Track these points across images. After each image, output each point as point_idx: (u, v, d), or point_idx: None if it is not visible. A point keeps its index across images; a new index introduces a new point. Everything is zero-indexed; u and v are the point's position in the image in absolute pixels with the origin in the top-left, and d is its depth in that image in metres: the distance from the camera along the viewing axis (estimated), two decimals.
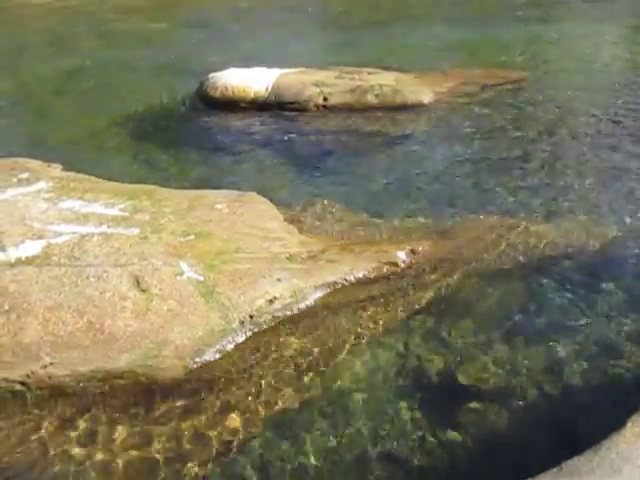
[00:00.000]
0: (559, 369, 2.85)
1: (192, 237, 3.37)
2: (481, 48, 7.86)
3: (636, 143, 4.96)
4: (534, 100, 5.98)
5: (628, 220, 3.92)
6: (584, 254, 3.62)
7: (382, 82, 5.95)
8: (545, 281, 3.41)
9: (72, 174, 4.16)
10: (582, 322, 3.12)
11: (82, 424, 2.58)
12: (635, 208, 4.04)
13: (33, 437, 2.54)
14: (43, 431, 2.56)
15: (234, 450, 2.52)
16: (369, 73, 6.18)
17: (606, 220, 3.91)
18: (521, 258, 3.58)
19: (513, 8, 9.92)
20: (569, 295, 3.31)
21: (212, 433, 2.57)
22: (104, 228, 3.37)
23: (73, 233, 3.30)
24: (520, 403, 2.69)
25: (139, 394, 2.69)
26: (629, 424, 2.23)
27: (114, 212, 3.55)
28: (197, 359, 2.78)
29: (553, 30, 8.44)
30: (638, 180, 4.38)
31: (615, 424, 2.25)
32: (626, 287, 3.35)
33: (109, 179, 4.14)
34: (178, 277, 3.05)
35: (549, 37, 8.06)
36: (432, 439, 2.55)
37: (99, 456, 2.47)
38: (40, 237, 3.25)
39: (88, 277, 2.98)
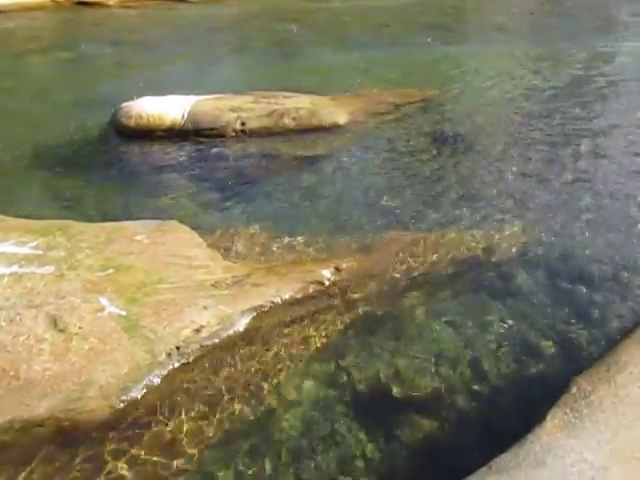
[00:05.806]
0: (482, 372, 2.97)
1: (111, 271, 3.27)
2: (391, 70, 8.16)
3: (542, 152, 5.29)
4: (443, 117, 6.27)
5: (542, 226, 4.14)
6: (505, 261, 3.78)
7: (298, 105, 6.04)
8: (467, 289, 3.55)
9: None
10: (502, 326, 3.27)
11: None
12: (543, 214, 4.29)
13: None
14: None
15: None
16: (285, 97, 6.26)
17: (524, 227, 4.09)
18: (443, 269, 3.72)
19: (420, 32, 10.41)
20: (490, 301, 3.45)
21: (142, 473, 2.47)
22: (15, 268, 3.21)
23: None
24: (450, 408, 2.78)
25: (63, 441, 2.55)
26: (549, 417, 2.37)
27: (25, 251, 3.38)
28: (123, 397, 2.68)
29: (459, 52, 8.94)
30: (550, 187, 4.64)
31: (536, 418, 2.36)
32: (542, 289, 3.54)
33: (19, 216, 3.95)
34: (99, 313, 2.95)
35: (455, 58, 8.52)
36: (368, 451, 2.58)
37: None
38: None
39: None
